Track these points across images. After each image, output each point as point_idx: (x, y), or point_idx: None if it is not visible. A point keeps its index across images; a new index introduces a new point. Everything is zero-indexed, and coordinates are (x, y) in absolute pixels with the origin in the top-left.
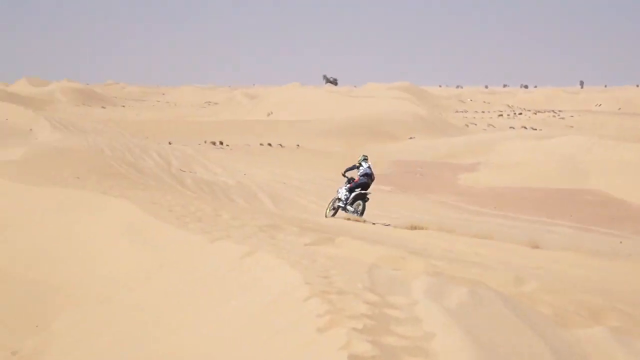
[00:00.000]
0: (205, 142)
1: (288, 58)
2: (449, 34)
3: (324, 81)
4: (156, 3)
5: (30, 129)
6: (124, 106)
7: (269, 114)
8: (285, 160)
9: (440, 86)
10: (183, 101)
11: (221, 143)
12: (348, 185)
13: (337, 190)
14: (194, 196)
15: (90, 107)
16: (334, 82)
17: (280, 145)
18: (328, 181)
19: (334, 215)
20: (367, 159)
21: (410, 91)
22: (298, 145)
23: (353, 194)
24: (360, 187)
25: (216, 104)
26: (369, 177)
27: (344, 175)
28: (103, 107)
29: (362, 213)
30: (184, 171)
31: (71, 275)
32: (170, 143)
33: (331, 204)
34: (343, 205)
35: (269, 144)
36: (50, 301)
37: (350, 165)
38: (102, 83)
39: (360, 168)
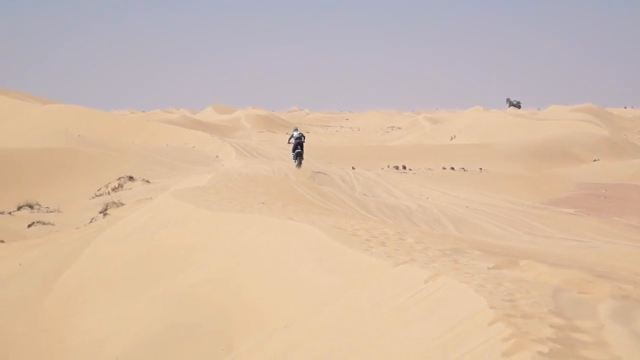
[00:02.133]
0: (388, 166)
1: (471, 81)
2: (635, 53)
3: (507, 104)
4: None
5: (217, 156)
6: (308, 132)
7: (451, 138)
8: (467, 183)
9: (625, 107)
10: (366, 126)
11: (404, 167)
12: (293, 151)
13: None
14: (377, 220)
15: (274, 134)
16: (518, 105)
17: (463, 169)
18: (512, 205)
19: (297, 166)
20: (297, 129)
21: (594, 113)
22: (481, 169)
23: (295, 153)
24: (297, 147)
25: (399, 128)
26: (299, 139)
27: (288, 143)
28: (287, 133)
29: (300, 163)
30: (367, 195)
31: (256, 299)
32: (353, 168)
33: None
34: (293, 160)
35: (452, 168)
36: (236, 324)
37: (289, 137)
38: (287, 110)
39: (293, 135)
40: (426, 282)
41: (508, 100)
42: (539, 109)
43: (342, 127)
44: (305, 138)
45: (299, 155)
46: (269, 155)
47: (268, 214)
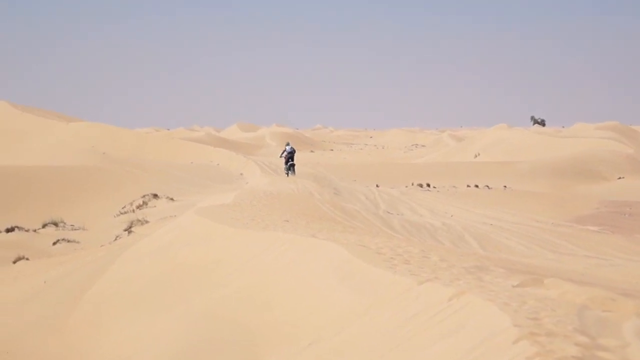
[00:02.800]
0: (412, 184)
1: (495, 99)
2: None
3: (532, 122)
4: (363, 52)
5: (241, 173)
6: (332, 150)
7: (476, 156)
8: (492, 201)
9: None
10: (390, 144)
11: (428, 185)
12: (285, 163)
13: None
14: (401, 238)
15: (298, 151)
16: (542, 123)
17: (487, 186)
18: (536, 222)
19: (287, 175)
20: (288, 144)
21: (618, 131)
22: (505, 187)
23: (288, 164)
24: (289, 160)
25: (423, 146)
26: (290, 153)
27: (280, 157)
28: (312, 151)
29: (294, 172)
30: (391, 213)
31: (280, 316)
32: (377, 186)
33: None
34: (286, 172)
35: (476, 186)
36: (260, 342)
37: (282, 151)
38: (311, 128)
39: (286, 149)
40: (450, 300)
41: (532, 118)
42: (563, 127)
43: (366, 144)
44: (296, 152)
45: (292, 167)
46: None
47: (292, 231)
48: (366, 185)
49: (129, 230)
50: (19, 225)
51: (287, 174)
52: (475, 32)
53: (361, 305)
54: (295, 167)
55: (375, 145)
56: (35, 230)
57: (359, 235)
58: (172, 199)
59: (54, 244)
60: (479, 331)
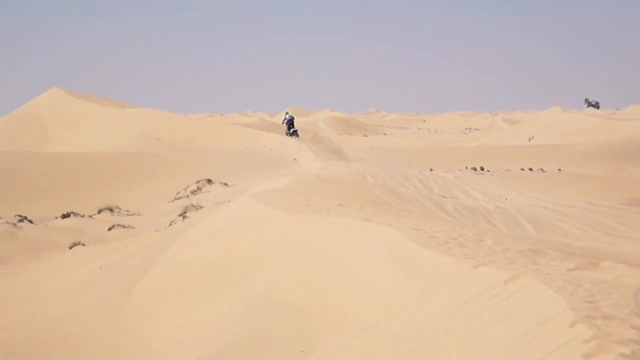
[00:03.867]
0: (465, 168)
1: (549, 82)
2: None
3: (586, 105)
4: (416, 35)
5: (295, 158)
6: (385, 134)
7: (529, 139)
8: (546, 184)
9: None
10: (444, 128)
11: (482, 169)
12: (287, 130)
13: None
14: (455, 222)
15: (352, 136)
16: (596, 106)
17: (542, 169)
18: (591, 205)
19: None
20: (287, 112)
21: None
22: (559, 170)
23: (291, 131)
24: (291, 126)
25: (477, 129)
26: (290, 121)
27: (282, 123)
28: (365, 136)
29: (297, 136)
30: (445, 197)
31: (335, 301)
32: (431, 169)
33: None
34: (290, 136)
35: (530, 169)
36: (315, 327)
37: (283, 119)
38: (364, 112)
39: (285, 117)
40: (506, 283)
41: (586, 100)
42: (617, 109)
43: (419, 128)
44: (295, 118)
45: (294, 132)
46: (347, 157)
47: (346, 215)
48: (420, 169)
49: (183, 215)
50: (74, 211)
51: (293, 137)
52: (528, 13)
53: (416, 289)
54: (298, 132)
55: (428, 129)
56: (90, 216)
57: (413, 219)
58: (226, 184)
59: (110, 229)
60: (534, 315)
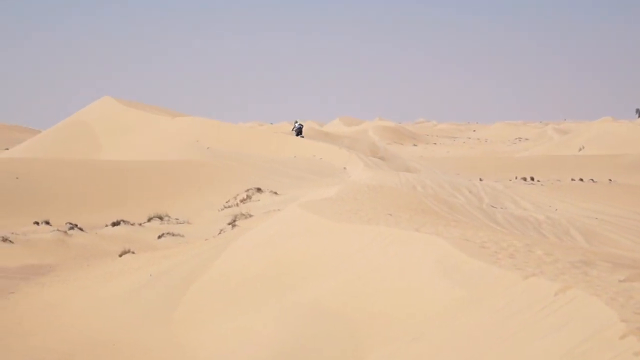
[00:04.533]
0: (515, 177)
1: (600, 92)
2: None
3: (637, 115)
4: (465, 45)
5: (344, 168)
6: (435, 143)
7: (580, 149)
8: (597, 195)
9: None
10: (494, 137)
11: (532, 179)
12: (296, 135)
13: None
14: (505, 232)
15: (402, 145)
16: None
17: (592, 180)
18: None
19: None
20: (297, 121)
21: None
22: (610, 180)
23: (299, 137)
24: (299, 133)
25: (527, 139)
26: (299, 129)
27: (292, 130)
28: (415, 145)
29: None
30: (495, 207)
31: (383, 310)
32: (481, 179)
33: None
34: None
35: (580, 179)
36: (364, 336)
37: (292, 127)
38: (413, 121)
39: (295, 125)
40: (556, 294)
41: (638, 110)
42: None
43: (469, 138)
44: (303, 126)
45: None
46: (396, 167)
47: (395, 225)
48: (469, 178)
49: (233, 224)
50: (124, 219)
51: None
52: (581, 24)
53: (465, 300)
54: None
55: (478, 139)
56: (140, 224)
57: (462, 229)
58: (275, 193)
59: (159, 237)
60: (585, 326)
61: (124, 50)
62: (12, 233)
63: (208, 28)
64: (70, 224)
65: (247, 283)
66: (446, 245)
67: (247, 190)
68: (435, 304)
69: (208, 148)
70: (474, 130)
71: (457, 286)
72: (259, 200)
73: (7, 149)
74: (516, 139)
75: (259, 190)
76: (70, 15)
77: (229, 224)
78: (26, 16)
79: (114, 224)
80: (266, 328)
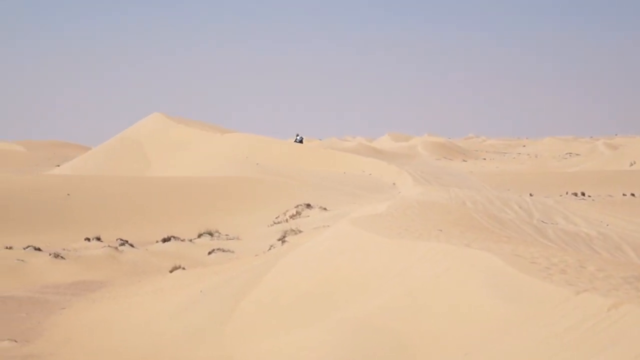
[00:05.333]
0: (566, 193)
1: None
2: None
3: None
4: (512, 59)
5: (394, 183)
6: (484, 159)
7: (631, 164)
8: None
9: None
10: (544, 153)
11: (582, 194)
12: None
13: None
14: (556, 248)
15: (451, 161)
16: None
17: None
18: None
19: None
20: (298, 134)
21: None
22: None
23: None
24: (300, 142)
25: (577, 154)
26: (300, 141)
27: (295, 142)
28: (464, 160)
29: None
30: (546, 223)
31: (434, 326)
32: (531, 195)
33: None
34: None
35: (632, 194)
36: (414, 353)
37: (294, 139)
38: (463, 137)
39: (296, 138)
40: (609, 310)
41: None
42: None
43: (519, 153)
44: (304, 139)
45: None
46: (446, 183)
47: (445, 241)
48: (519, 194)
49: (282, 240)
50: (175, 235)
51: None
52: (629, 38)
53: (516, 316)
54: None
55: (528, 154)
56: (191, 240)
57: (513, 245)
58: (325, 209)
59: (209, 253)
60: (638, 343)
61: (174, 67)
62: (64, 249)
63: (257, 45)
64: (121, 240)
65: (297, 299)
66: (497, 261)
67: (297, 206)
68: (486, 320)
69: (257, 164)
70: (524, 146)
71: (509, 302)
72: (308, 216)
73: (58, 165)
74: (567, 154)
75: (308, 206)
76: (119, 33)
77: (279, 239)
78: (76, 35)
79: (165, 240)
80: (317, 344)
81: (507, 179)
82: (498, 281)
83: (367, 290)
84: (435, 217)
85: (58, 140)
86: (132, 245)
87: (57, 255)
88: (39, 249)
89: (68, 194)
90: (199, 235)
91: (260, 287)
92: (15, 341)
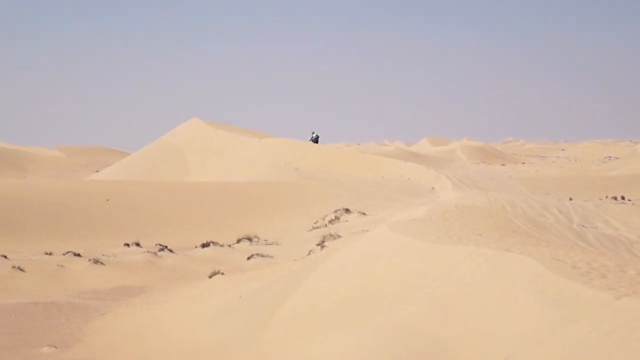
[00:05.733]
0: (606, 197)
1: None
2: None
3: None
4: (549, 63)
5: (432, 188)
6: (523, 163)
7: None
8: None
9: None
10: (583, 156)
11: (622, 198)
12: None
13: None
14: (596, 252)
15: (490, 165)
16: None
17: None
18: None
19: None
20: (314, 132)
21: None
22: None
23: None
24: (315, 142)
25: (617, 158)
26: (315, 140)
27: (310, 140)
28: (503, 165)
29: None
30: (585, 227)
31: (474, 331)
32: (570, 199)
33: None
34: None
35: None
36: (454, 357)
37: (310, 138)
38: (501, 141)
39: (312, 137)
40: None
41: None
42: None
43: (558, 157)
44: (319, 137)
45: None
46: (485, 187)
47: (485, 245)
48: (559, 198)
49: (321, 245)
50: (214, 240)
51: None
52: None
53: (556, 320)
54: None
55: (567, 158)
56: (230, 246)
57: (553, 249)
58: (363, 214)
59: (248, 258)
60: None
61: (210, 72)
62: (103, 255)
63: (294, 50)
64: (160, 245)
65: (336, 304)
66: (537, 265)
67: (336, 211)
68: (526, 324)
69: (296, 169)
70: (563, 149)
71: (549, 307)
72: (347, 221)
73: (97, 171)
74: (606, 157)
75: (347, 211)
76: (157, 38)
77: (318, 244)
78: (115, 42)
79: (204, 246)
80: (357, 350)
81: (546, 183)
82: (538, 286)
83: (407, 295)
84: (474, 221)
85: (97, 146)
86: (171, 251)
87: (96, 261)
88: (78, 255)
89: (107, 200)
90: (238, 241)
91: (299, 292)
92: (55, 347)
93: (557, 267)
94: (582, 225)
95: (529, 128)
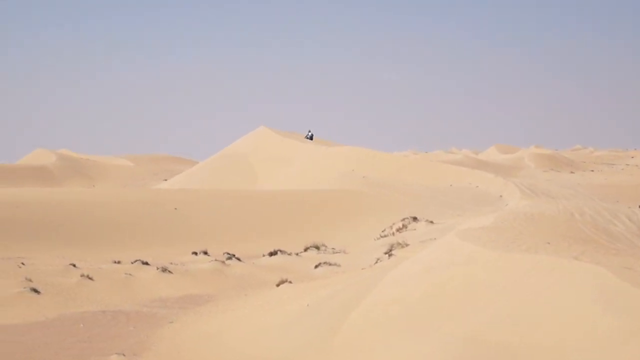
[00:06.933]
0: None
1: None
2: None
3: None
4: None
5: (500, 196)
6: (592, 170)
7: None
8: None
9: None
10: None
11: None
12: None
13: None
14: None
15: (558, 173)
16: None
17: None
18: None
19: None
20: (309, 130)
21: None
22: None
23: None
24: (310, 139)
25: None
26: (310, 138)
27: (306, 137)
28: (572, 172)
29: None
30: None
31: (544, 340)
32: None
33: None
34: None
35: None
36: None
37: (306, 136)
38: (570, 148)
39: (308, 134)
40: None
41: None
42: None
43: (627, 165)
44: (314, 135)
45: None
46: (553, 195)
47: (554, 254)
48: (629, 206)
49: (389, 253)
50: (281, 249)
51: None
52: None
53: (627, 329)
54: None
55: (637, 165)
56: (297, 254)
57: (623, 258)
58: (431, 222)
59: (316, 267)
60: None
61: (277, 81)
62: (171, 263)
63: (361, 58)
64: (228, 254)
65: (405, 312)
66: (607, 274)
67: (403, 219)
68: (597, 333)
69: (364, 177)
70: (632, 157)
71: (619, 315)
72: (415, 229)
73: (166, 180)
74: None
75: (415, 219)
76: (222, 47)
77: (386, 253)
78: (184, 48)
79: (271, 254)
80: (426, 357)
81: (616, 191)
82: (608, 294)
83: (476, 304)
84: (543, 229)
85: (164, 155)
86: (238, 259)
87: (164, 269)
88: (146, 263)
89: (175, 208)
90: (306, 249)
91: (368, 300)
92: (124, 355)
93: (627, 276)
94: None
95: (597, 135)
